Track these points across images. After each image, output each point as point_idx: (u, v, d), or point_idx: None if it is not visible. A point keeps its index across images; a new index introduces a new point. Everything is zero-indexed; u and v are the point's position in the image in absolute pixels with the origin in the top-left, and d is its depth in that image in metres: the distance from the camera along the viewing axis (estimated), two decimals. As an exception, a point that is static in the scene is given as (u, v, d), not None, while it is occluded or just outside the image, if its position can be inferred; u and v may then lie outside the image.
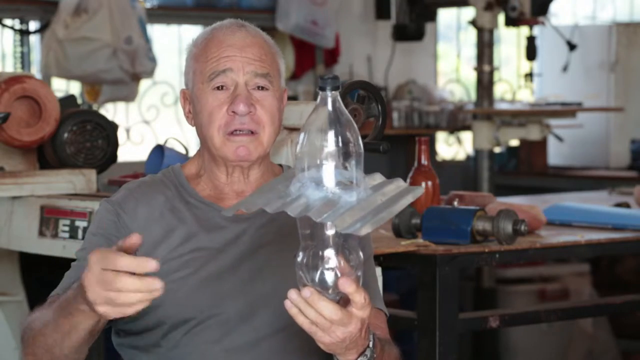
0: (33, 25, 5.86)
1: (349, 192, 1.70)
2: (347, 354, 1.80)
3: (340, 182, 1.70)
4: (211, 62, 2.10)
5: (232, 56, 2.09)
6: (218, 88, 2.10)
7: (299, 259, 1.73)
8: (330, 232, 1.71)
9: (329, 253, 1.71)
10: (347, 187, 1.71)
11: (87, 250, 2.08)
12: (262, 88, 2.11)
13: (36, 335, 1.89)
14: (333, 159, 1.70)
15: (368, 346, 1.85)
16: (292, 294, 1.71)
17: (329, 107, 1.73)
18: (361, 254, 1.75)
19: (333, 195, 1.69)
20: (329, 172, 1.70)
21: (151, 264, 1.63)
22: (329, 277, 1.72)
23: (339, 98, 1.74)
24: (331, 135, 1.70)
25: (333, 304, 1.71)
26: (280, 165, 2.26)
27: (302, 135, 1.72)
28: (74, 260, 2.12)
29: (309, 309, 1.71)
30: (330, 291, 1.72)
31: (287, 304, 1.71)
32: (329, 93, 1.73)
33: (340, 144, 1.70)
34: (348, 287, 1.71)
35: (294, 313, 1.72)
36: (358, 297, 1.73)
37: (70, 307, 1.78)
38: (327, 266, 1.71)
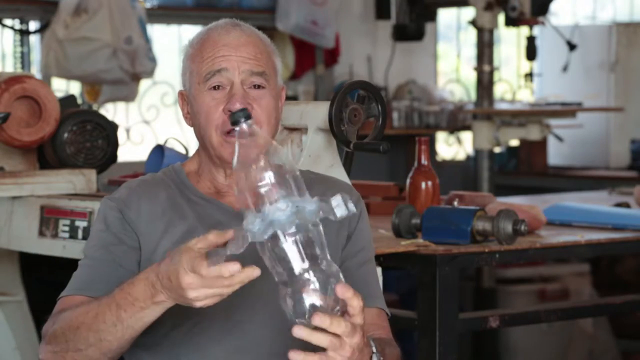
0: (33, 25, 5.86)
1: (304, 201, 1.71)
2: None
3: (290, 198, 1.70)
4: (207, 62, 2.10)
5: (227, 55, 2.09)
6: (214, 88, 2.10)
7: (281, 291, 1.73)
8: (304, 265, 1.71)
9: (308, 274, 1.71)
10: (298, 199, 1.71)
11: (98, 247, 2.08)
12: (259, 87, 2.11)
13: (84, 332, 1.90)
14: (273, 184, 1.71)
15: (373, 352, 1.85)
16: (296, 330, 1.70)
17: (249, 136, 1.74)
18: (332, 261, 1.75)
19: (297, 208, 1.70)
20: (275, 195, 1.71)
21: (234, 267, 1.71)
22: (316, 299, 1.71)
23: (255, 125, 1.75)
24: (262, 162, 1.71)
25: (341, 318, 1.71)
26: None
27: (236, 173, 1.73)
28: (74, 260, 2.11)
29: (317, 335, 1.70)
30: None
31: (292, 355, 1.71)
32: (244, 125, 1.75)
33: (274, 167, 1.72)
34: (347, 292, 1.71)
35: (301, 359, 1.72)
36: (356, 302, 1.73)
37: (140, 302, 1.83)
38: (310, 288, 1.71)
